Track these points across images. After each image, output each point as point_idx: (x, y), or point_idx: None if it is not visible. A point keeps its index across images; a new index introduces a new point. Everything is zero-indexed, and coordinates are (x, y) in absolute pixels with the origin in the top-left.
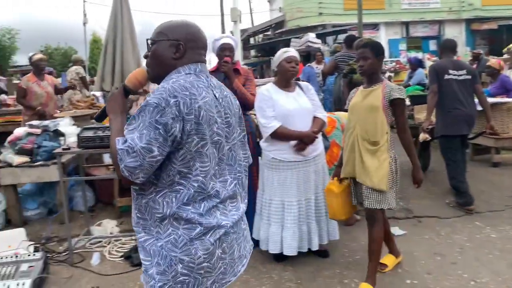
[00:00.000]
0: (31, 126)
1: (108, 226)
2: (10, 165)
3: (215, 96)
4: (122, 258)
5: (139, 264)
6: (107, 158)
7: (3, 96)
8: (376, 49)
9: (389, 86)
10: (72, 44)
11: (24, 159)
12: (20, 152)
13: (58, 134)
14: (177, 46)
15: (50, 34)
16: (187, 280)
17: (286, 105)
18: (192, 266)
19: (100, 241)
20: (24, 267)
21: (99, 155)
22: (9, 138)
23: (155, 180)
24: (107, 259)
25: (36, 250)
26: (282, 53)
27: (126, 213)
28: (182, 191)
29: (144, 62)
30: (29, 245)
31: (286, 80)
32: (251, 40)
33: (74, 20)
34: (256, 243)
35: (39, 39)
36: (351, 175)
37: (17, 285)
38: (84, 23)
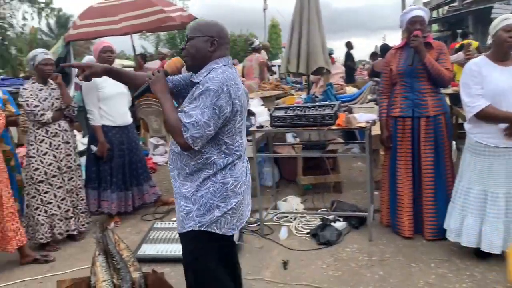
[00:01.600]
0: None
1: (293, 202)
2: None
3: (242, 86)
4: (308, 235)
5: (325, 243)
6: (290, 138)
7: None
8: None
9: None
10: (252, 30)
11: None
12: None
13: (249, 113)
14: (212, 42)
15: (234, 21)
16: (220, 220)
17: (498, 82)
18: (225, 210)
19: (286, 216)
20: None
21: (282, 134)
22: None
23: (206, 149)
24: (294, 234)
25: None
26: (500, 21)
27: (309, 192)
28: (227, 158)
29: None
30: None
31: (503, 53)
32: (433, 13)
33: (254, 7)
34: (444, 232)
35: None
36: None
37: None
38: (264, 9)
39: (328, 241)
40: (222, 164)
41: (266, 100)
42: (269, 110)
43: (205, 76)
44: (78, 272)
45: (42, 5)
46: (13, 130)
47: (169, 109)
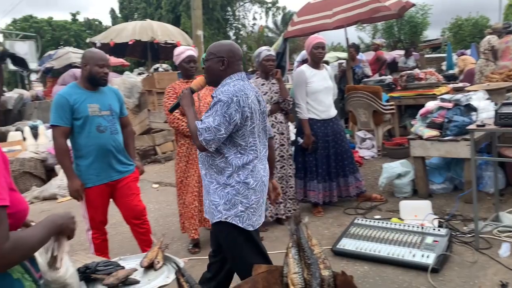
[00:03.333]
0: (442, 99)
1: None
2: (420, 137)
3: (255, 95)
4: None
5: None
6: None
7: (416, 71)
8: None
9: None
10: (484, 12)
11: (434, 132)
12: (431, 125)
13: (470, 108)
14: (222, 61)
15: (461, 5)
16: (243, 214)
17: None
18: (247, 206)
19: (510, 231)
20: (429, 240)
21: None
22: (421, 111)
23: (225, 150)
24: None
25: (439, 225)
26: None
27: None
28: (243, 157)
29: None
30: (434, 218)
31: None
32: None
33: None
34: None
35: (449, 11)
36: None
37: (422, 256)
38: None
39: None
40: (239, 162)
41: (493, 93)
42: (495, 105)
43: (220, 90)
44: (279, 255)
45: (269, 5)
46: None
47: (191, 118)
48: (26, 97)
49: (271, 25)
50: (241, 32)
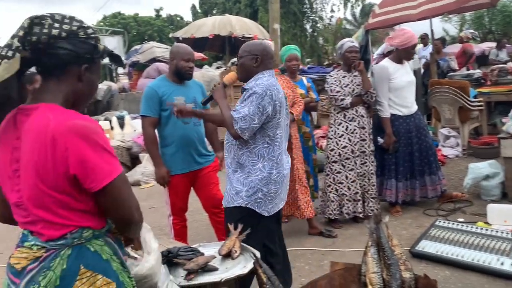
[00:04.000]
0: None
1: None
2: None
3: (283, 93)
4: None
5: None
6: None
7: (510, 64)
8: None
9: None
10: None
11: None
12: None
13: None
14: (256, 59)
15: None
16: (261, 201)
17: None
18: (266, 194)
19: None
20: None
21: None
22: None
23: (254, 140)
24: None
25: None
26: None
27: None
28: (270, 147)
29: None
30: None
31: None
32: None
33: None
34: None
35: None
36: None
37: (511, 264)
38: None
39: None
40: (265, 153)
41: None
42: None
43: (253, 83)
44: (353, 253)
45: None
46: (313, 113)
47: (225, 109)
48: (114, 89)
49: (349, 17)
50: (318, 25)
